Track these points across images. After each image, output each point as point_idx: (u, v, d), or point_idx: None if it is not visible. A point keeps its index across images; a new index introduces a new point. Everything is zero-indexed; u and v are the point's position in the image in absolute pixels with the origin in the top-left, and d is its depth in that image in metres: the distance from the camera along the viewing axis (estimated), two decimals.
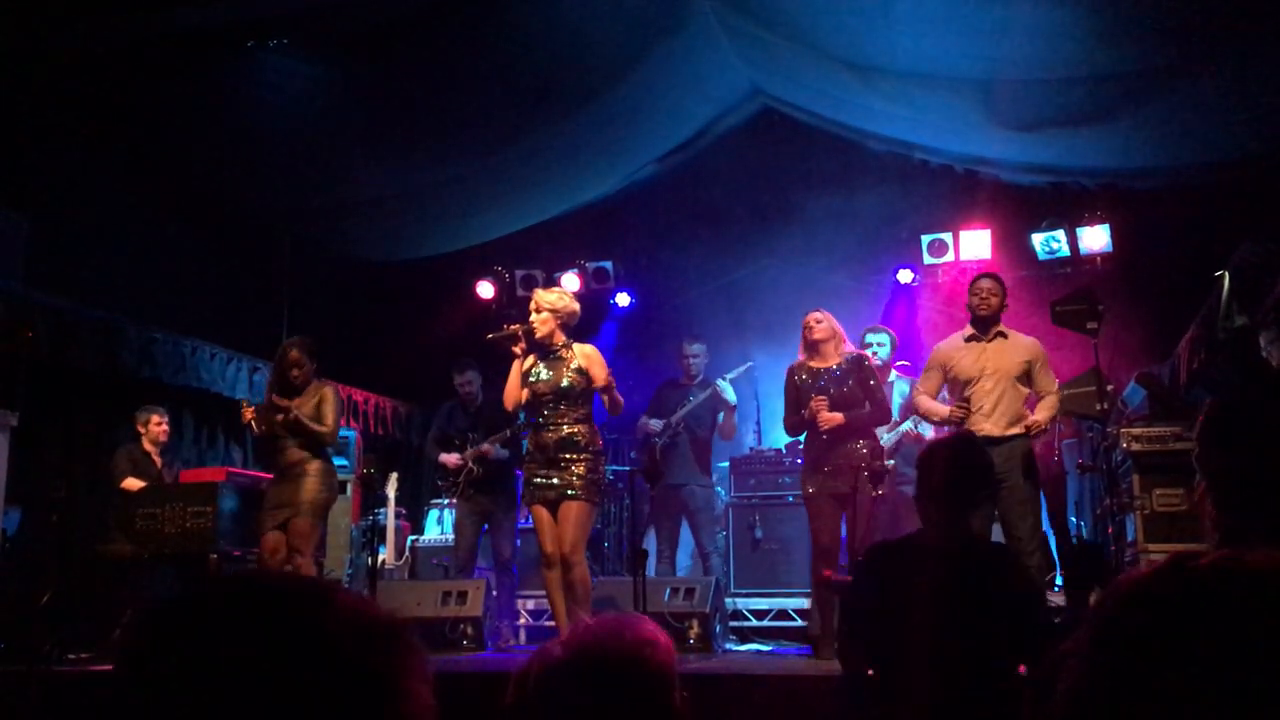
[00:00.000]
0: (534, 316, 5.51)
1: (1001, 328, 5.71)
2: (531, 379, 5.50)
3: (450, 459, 7.22)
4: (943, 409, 5.70)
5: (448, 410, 7.55)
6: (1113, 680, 0.80)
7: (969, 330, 5.78)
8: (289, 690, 0.82)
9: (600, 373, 5.49)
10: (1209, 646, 0.77)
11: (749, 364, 7.89)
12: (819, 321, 5.90)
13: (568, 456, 5.38)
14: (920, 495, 3.29)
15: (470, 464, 7.11)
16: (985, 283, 5.79)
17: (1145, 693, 0.78)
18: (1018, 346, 5.68)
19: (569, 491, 5.33)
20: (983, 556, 3.31)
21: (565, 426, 5.43)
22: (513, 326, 5.55)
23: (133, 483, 6.94)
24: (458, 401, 7.50)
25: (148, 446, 7.18)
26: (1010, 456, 5.36)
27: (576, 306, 5.67)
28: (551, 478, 5.38)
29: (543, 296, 5.63)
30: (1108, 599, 0.84)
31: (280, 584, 0.93)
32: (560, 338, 5.53)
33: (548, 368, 5.49)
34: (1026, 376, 5.62)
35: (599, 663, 1.53)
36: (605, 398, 5.53)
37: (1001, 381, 5.56)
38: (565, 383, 5.43)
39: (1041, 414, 5.56)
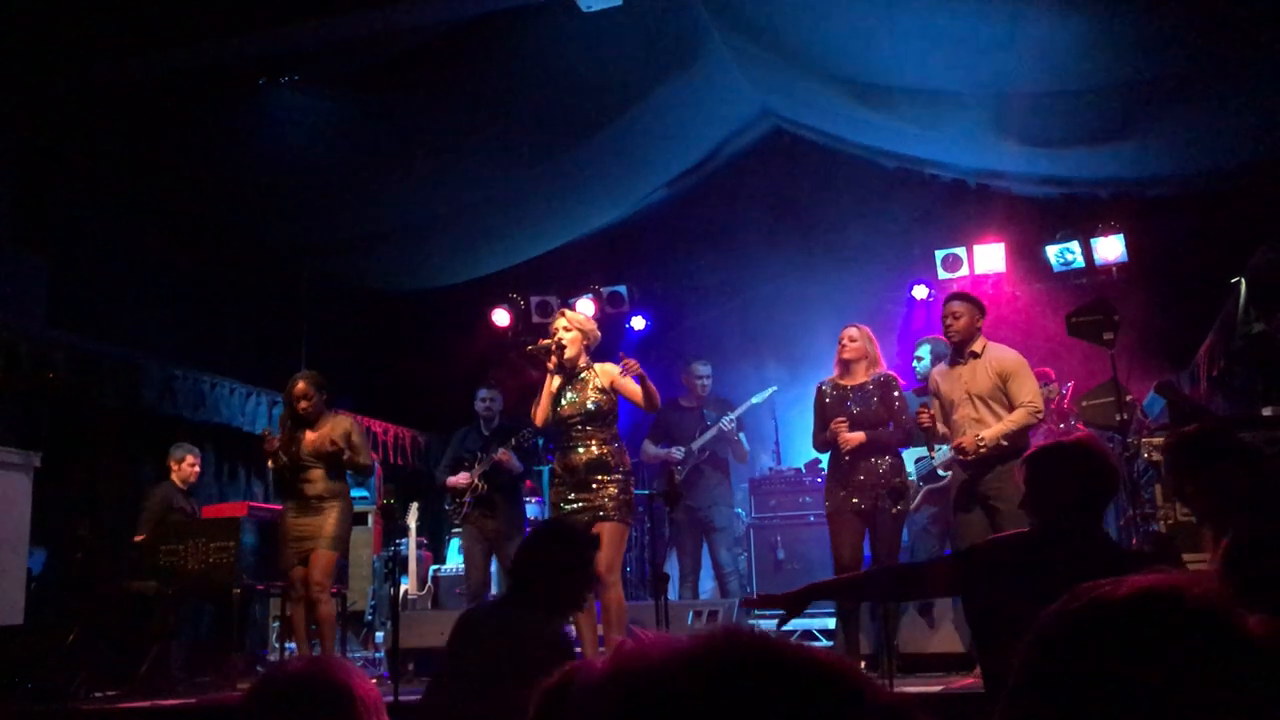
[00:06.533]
0: (564, 335, 5.44)
1: (975, 347, 5.54)
2: (556, 402, 5.44)
3: (458, 478, 7.08)
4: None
5: (462, 434, 7.46)
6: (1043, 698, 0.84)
7: (950, 354, 5.72)
8: None
9: (627, 384, 5.37)
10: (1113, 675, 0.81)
11: (773, 388, 7.84)
12: (853, 340, 5.87)
13: (599, 478, 5.30)
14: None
15: (478, 482, 6.97)
16: (952, 304, 5.61)
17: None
18: (988, 365, 5.48)
19: (602, 514, 5.23)
20: (1086, 553, 3.21)
21: (594, 447, 5.35)
22: (545, 341, 5.47)
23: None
24: (473, 425, 7.43)
25: (178, 484, 7.20)
26: (998, 477, 5.24)
27: (599, 331, 5.69)
28: (583, 500, 5.29)
29: (573, 316, 5.62)
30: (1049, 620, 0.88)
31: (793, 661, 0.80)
32: (585, 359, 5.50)
33: (572, 389, 5.43)
34: (1004, 393, 5.42)
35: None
36: (643, 393, 5.35)
37: (979, 403, 5.42)
38: (591, 404, 5.37)
39: (988, 431, 5.30)
